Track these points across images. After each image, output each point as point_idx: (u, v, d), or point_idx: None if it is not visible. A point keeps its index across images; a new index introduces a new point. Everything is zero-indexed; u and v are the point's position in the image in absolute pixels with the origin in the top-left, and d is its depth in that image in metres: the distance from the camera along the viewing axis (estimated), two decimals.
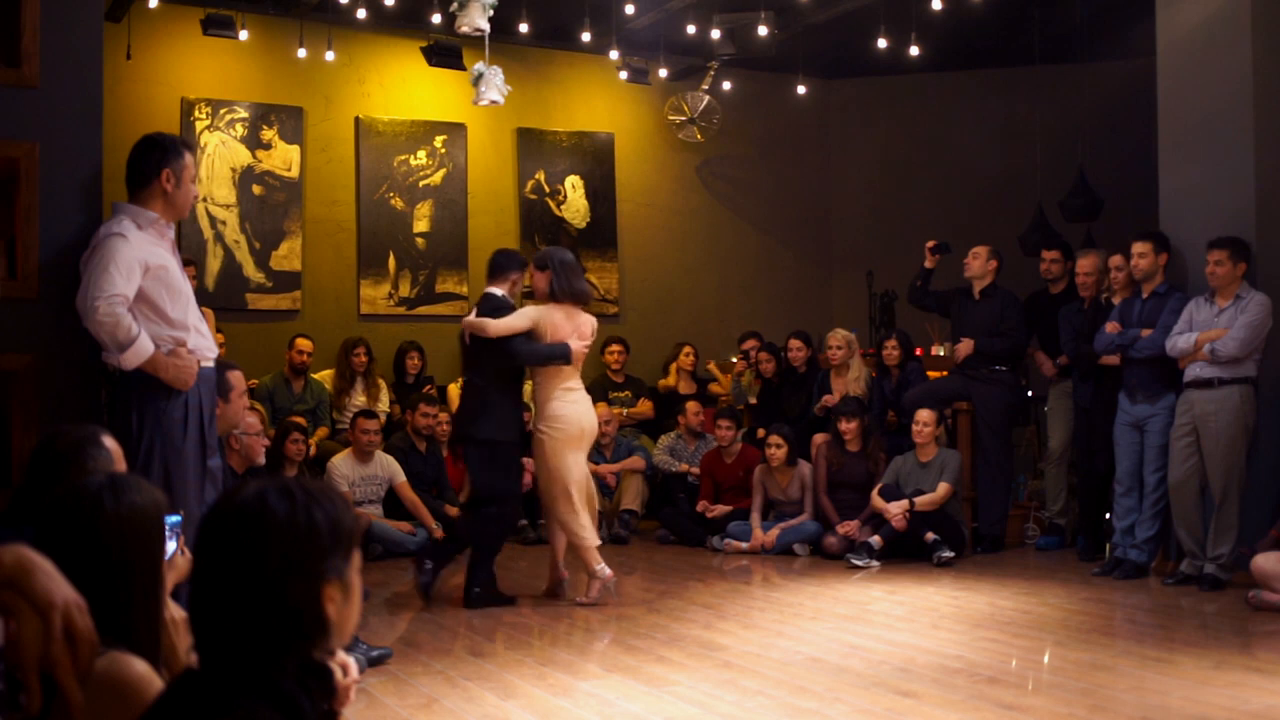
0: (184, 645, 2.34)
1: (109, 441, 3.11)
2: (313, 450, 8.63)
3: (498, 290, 6.87)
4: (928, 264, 8.87)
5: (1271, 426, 7.02)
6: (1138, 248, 7.38)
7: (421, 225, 10.72)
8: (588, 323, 6.93)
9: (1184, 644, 5.48)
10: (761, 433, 9.07)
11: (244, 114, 10.09)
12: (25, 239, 5.07)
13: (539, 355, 6.74)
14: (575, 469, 6.73)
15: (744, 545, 8.58)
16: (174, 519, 2.61)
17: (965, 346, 8.57)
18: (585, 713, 4.39)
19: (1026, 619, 6.06)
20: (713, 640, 5.61)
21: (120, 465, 3.09)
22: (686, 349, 10.83)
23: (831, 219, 12.43)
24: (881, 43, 9.72)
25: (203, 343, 4.63)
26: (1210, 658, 5.12)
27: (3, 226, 5.10)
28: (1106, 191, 10.52)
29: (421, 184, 10.74)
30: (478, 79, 8.92)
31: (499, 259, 7.04)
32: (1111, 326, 7.46)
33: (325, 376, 9.69)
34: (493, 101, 9.13)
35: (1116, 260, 7.63)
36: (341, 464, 8.58)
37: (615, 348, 10.69)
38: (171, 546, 2.58)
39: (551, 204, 11.29)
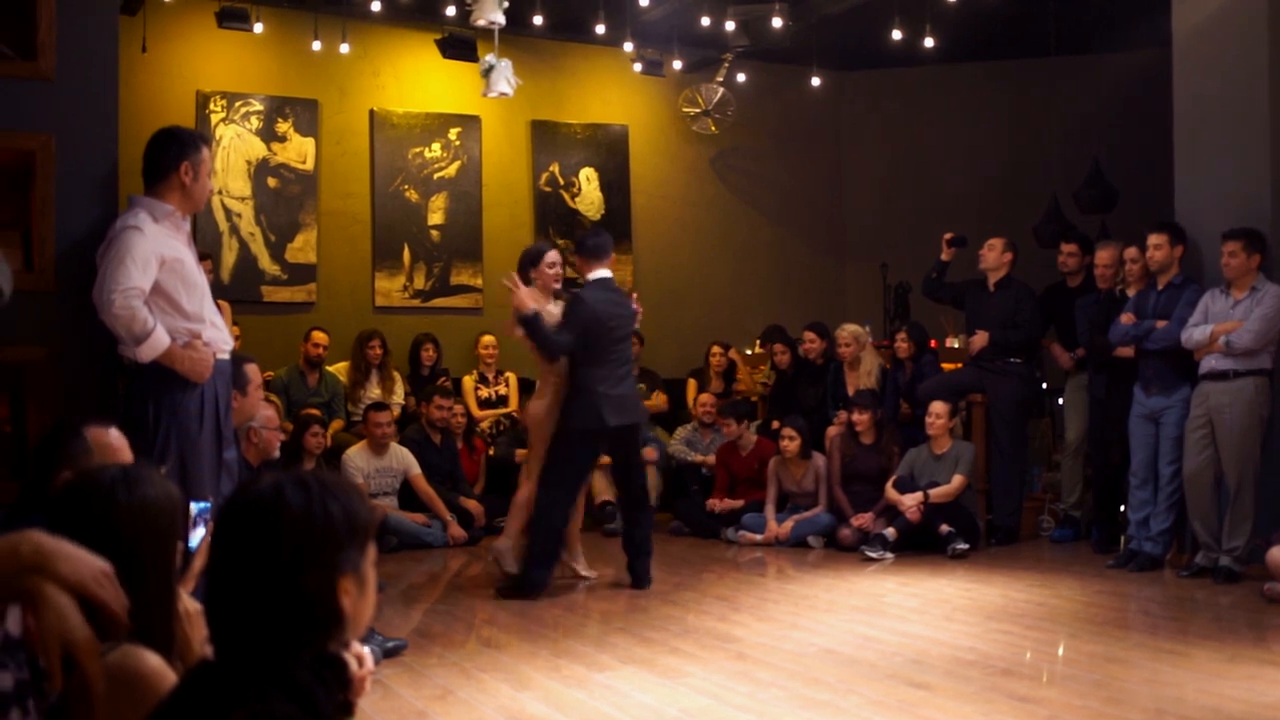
0: (198, 638, 2.35)
1: (92, 433, 3.11)
2: (328, 443, 8.66)
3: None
4: (944, 256, 8.84)
5: None
6: (1153, 239, 7.35)
7: (436, 218, 10.73)
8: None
9: (1198, 637, 5.47)
10: (776, 425, 9.05)
11: (259, 107, 10.11)
12: (41, 232, 5.10)
13: None
14: None
15: (758, 537, 8.59)
16: (204, 505, 2.62)
17: (980, 339, 8.55)
18: (599, 704, 4.40)
19: (1040, 611, 6.06)
20: (727, 632, 5.62)
21: (115, 457, 3.07)
22: (715, 349, 10.51)
23: (845, 211, 12.41)
24: (895, 34, 9.70)
25: (218, 335, 4.65)
26: (1225, 650, 5.11)
27: (19, 219, 5.13)
28: (1122, 183, 10.48)
29: (436, 176, 10.75)
30: (487, 71, 8.93)
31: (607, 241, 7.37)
32: (1126, 318, 7.44)
33: (340, 369, 9.71)
34: (502, 93, 9.14)
35: (1132, 252, 7.60)
36: (356, 456, 8.60)
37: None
38: (201, 532, 2.59)
39: (566, 196, 11.29)
